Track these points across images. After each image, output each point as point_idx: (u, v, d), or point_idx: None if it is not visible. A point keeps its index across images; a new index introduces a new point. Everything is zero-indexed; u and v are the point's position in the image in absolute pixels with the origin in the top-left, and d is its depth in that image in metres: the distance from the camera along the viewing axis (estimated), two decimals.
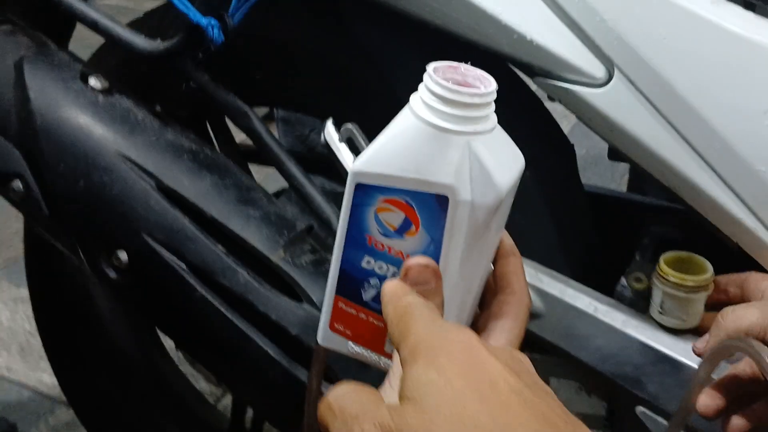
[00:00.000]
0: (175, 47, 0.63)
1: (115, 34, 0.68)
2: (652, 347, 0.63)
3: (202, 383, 1.29)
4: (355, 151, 0.69)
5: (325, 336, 0.48)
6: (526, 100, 0.76)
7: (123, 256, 0.62)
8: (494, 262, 0.47)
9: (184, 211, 0.62)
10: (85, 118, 0.65)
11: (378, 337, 0.46)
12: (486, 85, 0.42)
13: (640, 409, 0.66)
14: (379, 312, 0.45)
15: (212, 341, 0.61)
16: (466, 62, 0.43)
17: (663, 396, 0.63)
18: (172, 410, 1.09)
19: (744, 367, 0.55)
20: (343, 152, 0.68)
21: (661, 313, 0.63)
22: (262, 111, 2.64)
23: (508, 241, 0.47)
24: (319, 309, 0.61)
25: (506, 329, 0.43)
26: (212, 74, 0.72)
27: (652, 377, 0.63)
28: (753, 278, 0.59)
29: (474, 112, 0.41)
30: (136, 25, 0.90)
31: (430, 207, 0.42)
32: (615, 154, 0.69)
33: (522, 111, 0.74)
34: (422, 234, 0.43)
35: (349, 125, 0.70)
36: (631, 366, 0.64)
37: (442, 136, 0.41)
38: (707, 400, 0.55)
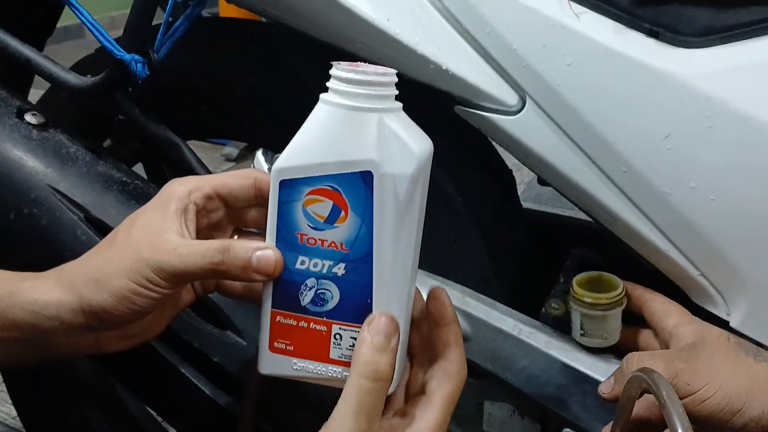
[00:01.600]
0: (101, 82, 0.65)
1: (47, 71, 0.70)
2: (574, 368, 0.64)
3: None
4: None
5: (266, 361, 0.47)
6: (461, 128, 0.78)
7: None
8: (436, 327, 0.48)
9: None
10: (17, 152, 0.66)
11: (322, 344, 0.46)
12: (386, 69, 0.44)
13: (566, 430, 0.66)
14: (320, 315, 0.45)
15: (138, 368, 0.62)
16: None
17: (586, 417, 0.64)
18: None
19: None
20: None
21: (582, 334, 0.65)
22: (242, 143, 2.68)
23: (450, 309, 0.48)
24: (242, 335, 0.62)
25: (438, 407, 0.46)
26: (155, 108, 0.74)
27: (575, 398, 0.64)
28: (659, 308, 0.61)
29: (381, 90, 0.43)
30: (88, 60, 0.92)
31: (356, 187, 0.43)
32: (542, 180, 0.71)
33: (458, 139, 0.75)
34: (352, 217, 0.44)
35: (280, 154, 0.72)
36: (554, 387, 0.65)
37: (357, 115, 0.43)
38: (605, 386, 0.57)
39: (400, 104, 0.45)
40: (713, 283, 0.59)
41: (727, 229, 0.57)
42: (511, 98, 0.62)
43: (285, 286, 0.46)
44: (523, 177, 2.48)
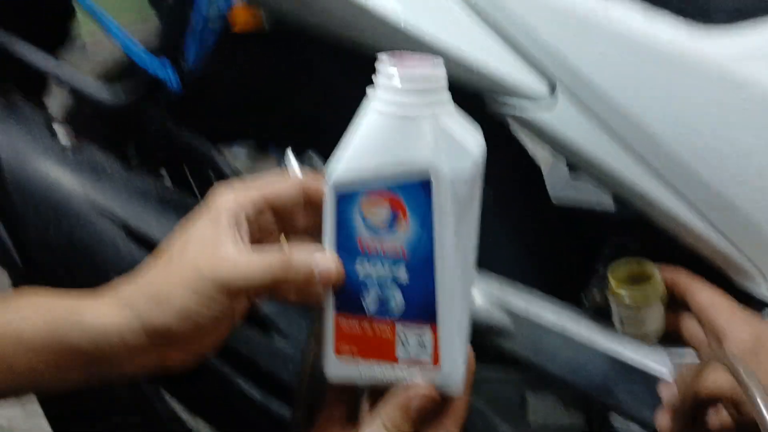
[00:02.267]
0: (137, 99, 0.66)
1: (80, 87, 0.70)
2: (618, 356, 0.64)
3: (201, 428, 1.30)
4: None
5: (333, 366, 0.47)
6: (488, 121, 0.78)
7: None
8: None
9: (153, 252, 0.64)
10: (54, 170, 0.67)
11: (387, 345, 0.46)
12: (435, 64, 0.43)
13: (613, 417, 0.67)
14: (385, 317, 0.45)
15: (185, 377, 0.63)
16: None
17: (633, 404, 0.64)
18: None
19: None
20: None
21: (622, 324, 0.65)
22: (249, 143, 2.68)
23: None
24: (288, 339, 0.62)
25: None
26: (181, 114, 0.74)
27: (620, 386, 0.64)
28: (708, 301, 0.60)
29: (434, 94, 0.43)
30: (109, 74, 0.93)
31: (415, 191, 0.43)
32: (573, 167, 0.71)
33: (485, 132, 0.76)
34: (412, 222, 0.43)
35: (310, 153, 0.72)
36: (600, 377, 0.65)
37: (411, 120, 0.42)
38: (661, 419, 0.56)
39: (448, 95, 0.44)
40: (755, 263, 0.60)
41: (767, 207, 0.57)
42: (542, 89, 0.62)
43: (347, 292, 0.46)
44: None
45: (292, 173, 0.70)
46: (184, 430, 1.10)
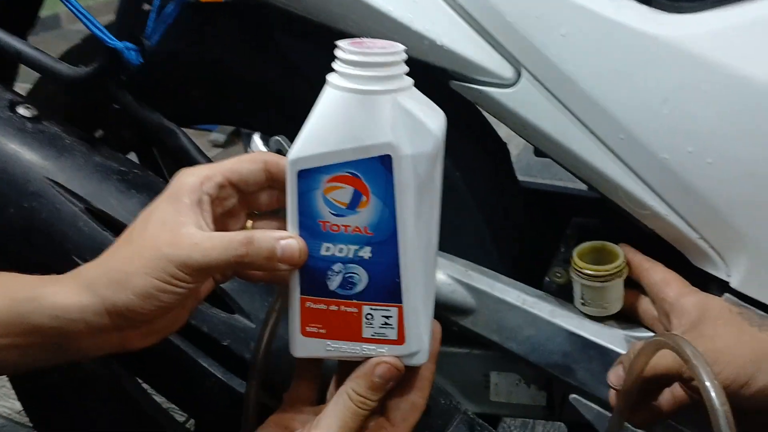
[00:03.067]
0: (95, 72, 0.65)
1: (40, 62, 0.69)
2: (579, 335, 0.65)
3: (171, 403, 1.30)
4: None
5: (299, 344, 0.47)
6: (456, 103, 0.78)
7: None
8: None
9: (113, 231, 0.63)
10: (12, 145, 0.66)
11: (354, 324, 0.46)
12: (394, 45, 0.44)
13: (573, 396, 0.68)
14: (350, 298, 0.46)
15: (148, 356, 0.62)
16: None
17: (592, 382, 0.65)
18: (141, 430, 1.09)
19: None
20: None
21: (583, 303, 0.66)
22: (231, 127, 2.66)
23: (436, 346, 0.50)
24: (250, 318, 0.63)
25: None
26: (148, 96, 0.73)
27: (581, 364, 0.65)
28: (659, 278, 0.62)
29: (392, 70, 0.43)
30: (75, 51, 0.91)
31: (376, 171, 0.43)
32: (539, 151, 0.71)
33: (453, 114, 0.76)
34: (374, 201, 0.44)
35: (278, 137, 0.72)
36: (560, 355, 0.66)
37: (370, 98, 0.42)
38: (613, 374, 0.57)
39: (411, 81, 0.44)
40: (713, 245, 0.60)
41: (725, 191, 0.58)
42: (506, 71, 0.63)
43: (312, 273, 0.46)
44: (511, 150, 2.50)
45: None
46: (159, 411, 1.10)
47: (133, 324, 0.47)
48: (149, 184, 0.68)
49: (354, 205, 0.44)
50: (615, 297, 0.65)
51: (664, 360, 0.53)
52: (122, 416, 1.07)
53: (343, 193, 0.44)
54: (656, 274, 0.62)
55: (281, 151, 0.70)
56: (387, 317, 0.46)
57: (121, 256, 0.46)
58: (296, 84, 0.80)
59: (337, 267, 0.45)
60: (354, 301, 0.46)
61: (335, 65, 0.43)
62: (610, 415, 0.66)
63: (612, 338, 0.65)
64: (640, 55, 0.58)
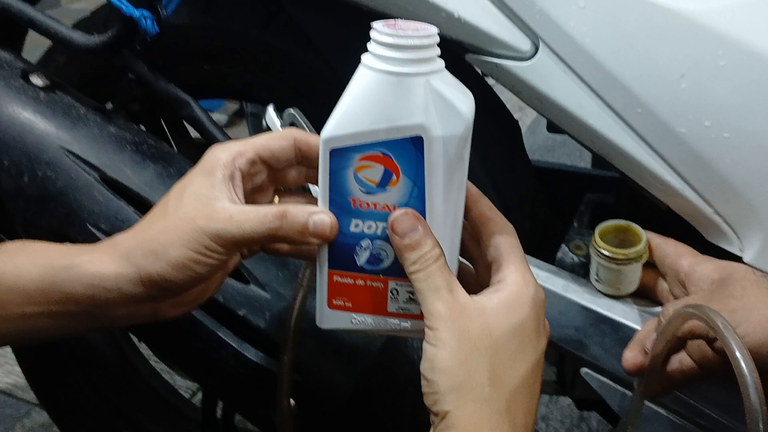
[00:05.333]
0: (110, 40, 0.64)
1: (54, 31, 0.69)
2: (591, 309, 0.66)
3: (176, 379, 1.31)
4: None
5: (324, 316, 0.49)
6: (469, 79, 0.78)
7: None
8: (465, 212, 0.49)
9: (128, 200, 0.63)
10: (27, 114, 0.66)
11: (380, 299, 0.48)
12: (428, 28, 0.44)
13: (584, 370, 0.68)
14: (377, 273, 0.47)
15: (162, 325, 0.63)
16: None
17: (604, 357, 0.66)
18: (147, 405, 1.10)
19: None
20: None
21: (597, 281, 0.66)
22: (233, 107, 2.66)
23: (473, 189, 0.49)
24: (265, 289, 0.63)
25: (514, 260, 0.47)
26: (160, 63, 0.73)
27: (593, 339, 0.66)
28: (671, 251, 0.61)
29: (426, 53, 0.43)
30: (85, 23, 0.91)
31: (407, 151, 0.44)
32: (552, 126, 0.71)
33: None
34: (404, 180, 0.45)
35: (291, 110, 0.72)
36: (572, 329, 0.66)
37: (404, 80, 0.43)
38: (630, 356, 0.58)
39: (443, 63, 0.45)
40: (727, 220, 0.61)
41: (741, 165, 0.58)
42: (523, 44, 0.62)
43: (341, 248, 0.47)
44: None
45: (273, 128, 0.70)
46: (164, 386, 1.11)
47: (166, 294, 0.48)
48: (163, 154, 0.68)
49: (384, 183, 0.45)
50: (630, 280, 0.65)
51: (687, 324, 0.53)
52: (127, 391, 1.08)
53: (374, 172, 0.45)
54: (668, 247, 0.62)
55: (295, 124, 0.70)
56: (411, 293, 0.47)
57: (157, 227, 0.47)
58: (307, 56, 0.79)
59: (365, 243, 0.47)
60: (380, 276, 0.47)
61: (370, 46, 0.44)
62: (621, 389, 0.66)
63: (626, 313, 0.65)
64: (658, 28, 0.58)
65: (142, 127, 0.94)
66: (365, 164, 0.45)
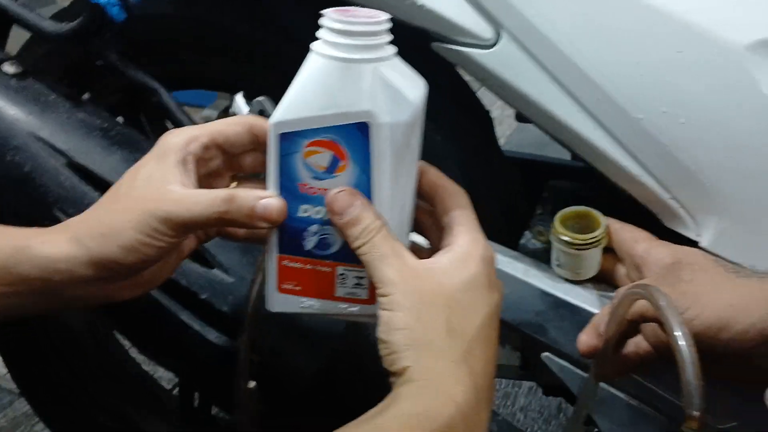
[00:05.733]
0: (78, 27, 0.65)
1: (24, 18, 0.70)
2: (551, 294, 0.66)
3: (159, 370, 1.32)
4: None
5: (274, 300, 0.49)
6: (439, 66, 0.79)
7: None
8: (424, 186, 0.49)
9: (95, 186, 0.64)
10: None
11: (327, 283, 0.48)
12: (378, 15, 0.45)
13: (545, 354, 0.69)
14: (325, 258, 0.48)
15: (125, 310, 0.63)
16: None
17: (563, 341, 0.66)
18: (125, 395, 1.11)
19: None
20: None
21: (558, 266, 0.67)
22: (224, 102, 2.65)
23: (420, 162, 0.50)
24: (228, 273, 0.64)
25: (464, 222, 0.48)
26: (136, 57, 0.74)
27: (553, 323, 0.67)
28: (628, 236, 0.62)
29: (374, 40, 0.44)
30: (63, 13, 0.91)
31: (354, 137, 0.44)
32: (520, 115, 0.72)
33: (435, 78, 0.76)
34: (351, 166, 0.45)
35: (261, 98, 0.72)
36: (533, 313, 0.67)
37: (352, 67, 0.44)
38: (585, 339, 0.59)
39: (394, 50, 0.46)
40: (684, 205, 0.62)
41: (696, 151, 0.59)
42: (486, 32, 0.63)
43: (289, 233, 0.48)
44: (504, 131, 2.51)
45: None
46: (138, 371, 1.12)
47: (117, 276, 0.48)
48: (132, 141, 0.68)
49: (332, 169, 0.46)
50: (589, 264, 0.65)
51: (639, 306, 0.54)
52: (106, 380, 1.09)
53: (322, 158, 0.45)
54: (626, 233, 0.63)
55: (264, 112, 0.71)
56: (359, 278, 0.48)
57: (108, 210, 0.48)
58: (284, 46, 0.80)
59: (313, 228, 0.47)
60: (328, 261, 0.48)
61: (319, 33, 0.44)
62: (580, 372, 0.67)
63: (584, 298, 0.66)
64: (616, 16, 0.58)
65: (120, 119, 0.96)
66: (314, 150, 0.45)
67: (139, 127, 0.95)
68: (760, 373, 0.56)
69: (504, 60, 0.63)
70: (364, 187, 0.46)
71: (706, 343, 0.55)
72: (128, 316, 0.65)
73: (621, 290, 0.57)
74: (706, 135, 0.58)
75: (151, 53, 0.81)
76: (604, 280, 0.67)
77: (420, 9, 0.63)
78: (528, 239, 0.71)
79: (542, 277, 0.67)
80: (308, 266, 0.48)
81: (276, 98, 0.73)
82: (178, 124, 0.71)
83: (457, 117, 0.80)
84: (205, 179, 0.50)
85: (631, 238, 0.62)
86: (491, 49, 0.63)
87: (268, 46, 0.79)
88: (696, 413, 0.46)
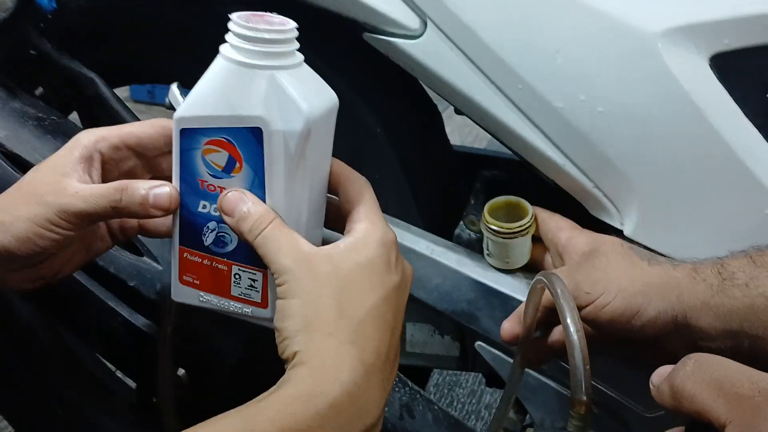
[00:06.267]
0: (8, 16, 0.66)
1: None
2: (482, 283, 0.67)
3: None
4: None
5: (176, 291, 0.51)
6: (383, 62, 0.80)
7: None
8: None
9: (26, 173, 0.64)
10: None
11: (224, 281, 0.49)
12: (285, 24, 0.46)
13: (478, 343, 0.69)
14: (222, 256, 0.48)
15: (57, 297, 0.64)
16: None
17: (495, 329, 0.67)
18: (85, 388, 1.11)
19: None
20: None
21: (488, 255, 0.67)
22: None
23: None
24: (158, 261, 0.64)
25: (363, 209, 0.49)
26: (75, 49, 0.74)
27: (484, 311, 0.67)
28: (553, 225, 0.63)
29: (274, 47, 0.45)
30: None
31: (248, 141, 0.45)
32: (457, 109, 0.73)
33: (376, 70, 0.77)
34: (246, 169, 0.46)
35: None
36: (465, 303, 0.68)
37: (248, 71, 0.44)
38: (507, 327, 0.59)
39: (299, 59, 0.46)
40: (606, 194, 0.62)
41: (615, 140, 0.59)
42: (413, 22, 0.64)
43: (190, 227, 0.49)
44: (476, 132, 2.52)
45: (176, 106, 0.71)
46: (110, 376, 1.12)
47: (12, 266, 0.49)
48: (66, 130, 0.69)
49: (229, 169, 0.47)
50: (519, 253, 0.66)
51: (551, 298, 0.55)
52: (63, 373, 1.09)
53: (220, 157, 0.47)
54: (551, 221, 0.63)
55: None
56: (253, 280, 0.49)
57: (9, 200, 0.49)
58: (220, 35, 0.80)
59: (211, 225, 0.48)
60: (225, 259, 0.49)
61: (226, 36, 0.45)
62: (511, 360, 0.68)
63: (513, 286, 0.66)
64: (534, 5, 0.59)
65: (75, 114, 0.96)
66: (212, 148, 0.46)
67: (95, 121, 0.96)
68: (673, 358, 0.56)
69: (430, 50, 0.64)
70: (258, 191, 0.46)
71: (618, 329, 0.55)
72: (59, 303, 0.65)
73: (538, 276, 0.58)
74: (623, 124, 0.59)
75: (85, 44, 0.81)
76: (534, 269, 0.68)
77: (350, 3, 0.64)
78: (462, 229, 0.71)
79: (474, 266, 0.68)
80: (206, 262, 0.49)
81: None
82: (114, 116, 0.72)
83: (398, 108, 0.81)
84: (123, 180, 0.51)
85: (555, 226, 0.63)
86: (417, 40, 0.64)
87: (204, 35, 0.80)
88: (584, 398, 0.46)
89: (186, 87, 0.74)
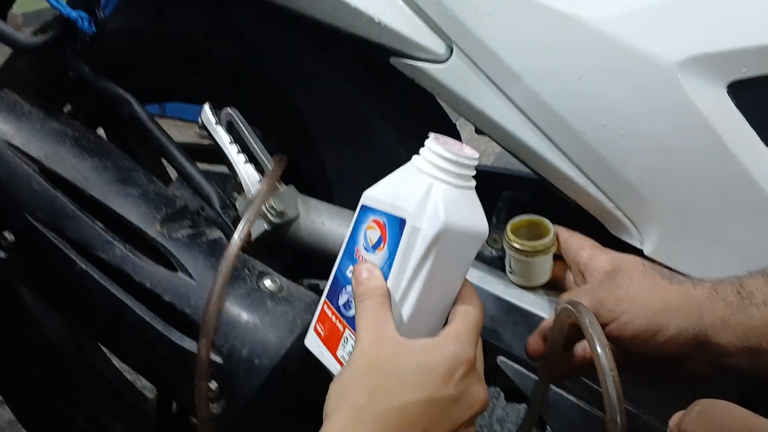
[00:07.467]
0: (51, 40, 0.68)
1: (1, 32, 0.72)
2: (505, 300, 0.69)
3: (143, 380, 1.33)
4: (234, 133, 0.74)
5: (308, 338, 0.57)
6: (406, 83, 0.82)
7: (9, 236, 0.67)
8: None
9: (65, 191, 0.67)
10: None
11: (336, 340, 0.55)
12: (465, 152, 0.53)
13: (500, 359, 0.71)
14: (343, 317, 0.54)
15: (93, 311, 0.66)
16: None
17: (516, 345, 0.69)
18: (106, 401, 1.12)
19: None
20: (220, 134, 0.73)
21: (511, 272, 0.69)
22: None
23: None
24: (192, 276, 0.66)
25: (458, 323, 0.53)
26: (111, 71, 0.77)
27: (506, 327, 0.69)
28: (574, 244, 0.65)
29: (447, 166, 0.52)
30: (42, 29, 0.95)
31: (395, 228, 0.52)
32: (477, 128, 0.75)
33: (401, 94, 0.79)
34: (386, 250, 0.53)
35: (229, 109, 0.75)
36: (488, 318, 0.69)
37: (418, 175, 0.52)
38: (532, 343, 0.61)
39: (468, 185, 0.53)
40: (627, 214, 0.64)
41: (635, 163, 0.61)
42: (439, 47, 0.66)
43: (335, 285, 0.56)
44: (494, 147, 2.54)
45: (208, 126, 0.73)
46: (130, 389, 1.14)
47: None
48: (102, 149, 0.71)
49: (376, 246, 0.53)
50: (540, 271, 0.68)
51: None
52: (86, 387, 1.10)
53: (374, 234, 0.53)
54: (573, 240, 0.65)
55: (232, 123, 0.74)
56: (353, 346, 0.52)
57: None
58: (250, 62, 0.83)
59: (348, 288, 0.54)
60: (344, 321, 0.54)
61: (421, 149, 0.53)
62: (534, 376, 0.69)
63: (536, 303, 0.68)
64: (558, 33, 0.61)
65: (101, 130, 0.98)
66: (372, 225, 0.54)
67: (121, 138, 0.99)
68: (694, 376, 0.58)
69: (455, 74, 0.66)
70: (386, 273, 0.52)
71: (640, 347, 0.57)
72: (93, 317, 0.67)
73: (564, 297, 0.60)
74: (644, 148, 0.61)
75: (122, 66, 0.84)
76: (555, 287, 0.70)
77: (378, 26, 0.66)
78: (485, 247, 0.73)
79: (496, 283, 0.70)
80: (333, 318, 0.55)
81: (242, 110, 0.76)
82: (148, 135, 0.74)
83: (422, 131, 0.83)
84: None
85: (577, 245, 0.65)
86: (444, 64, 0.66)
87: (234, 63, 0.82)
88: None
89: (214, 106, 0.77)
